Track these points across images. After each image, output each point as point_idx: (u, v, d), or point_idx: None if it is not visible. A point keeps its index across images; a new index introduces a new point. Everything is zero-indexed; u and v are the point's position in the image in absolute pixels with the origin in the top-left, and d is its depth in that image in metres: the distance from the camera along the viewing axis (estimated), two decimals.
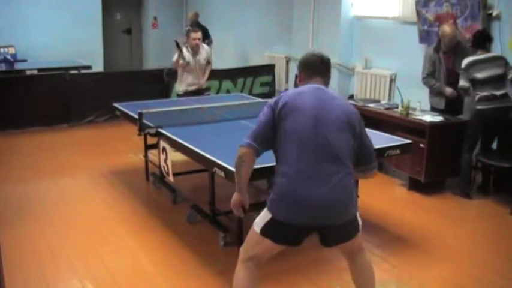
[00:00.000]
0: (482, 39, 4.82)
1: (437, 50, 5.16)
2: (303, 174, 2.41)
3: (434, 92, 5.25)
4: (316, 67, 2.75)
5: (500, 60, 4.76)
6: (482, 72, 4.68)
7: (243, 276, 2.63)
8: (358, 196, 2.62)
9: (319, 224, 2.45)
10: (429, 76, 5.21)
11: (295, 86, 6.81)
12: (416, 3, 5.89)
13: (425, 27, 5.90)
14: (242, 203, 2.70)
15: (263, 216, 2.53)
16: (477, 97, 4.72)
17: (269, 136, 2.55)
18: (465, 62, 4.77)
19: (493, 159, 4.78)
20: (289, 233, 2.50)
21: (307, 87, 2.66)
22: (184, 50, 6.02)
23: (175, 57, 6.02)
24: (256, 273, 2.65)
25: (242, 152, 2.58)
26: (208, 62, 6.32)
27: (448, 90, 5.09)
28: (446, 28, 5.07)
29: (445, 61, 5.13)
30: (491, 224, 4.45)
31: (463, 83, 4.79)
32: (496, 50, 5.19)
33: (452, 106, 5.21)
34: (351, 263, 2.77)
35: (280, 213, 2.45)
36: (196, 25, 9.55)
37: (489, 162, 4.83)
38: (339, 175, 2.42)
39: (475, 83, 4.72)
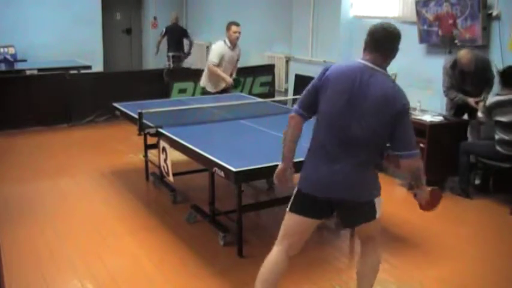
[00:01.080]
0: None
1: (453, 67, 5.08)
2: (324, 152, 2.55)
3: (459, 102, 5.16)
4: (378, 42, 2.54)
5: None
6: (507, 115, 4.52)
7: (272, 259, 2.72)
8: (379, 186, 2.67)
9: (332, 198, 2.57)
10: (449, 89, 5.13)
11: (295, 87, 6.72)
12: (416, 3, 5.89)
13: (425, 27, 5.90)
14: (285, 175, 2.75)
15: (293, 194, 2.68)
16: (497, 137, 4.61)
17: (313, 104, 2.63)
18: (491, 100, 4.62)
19: (492, 159, 4.77)
20: (309, 204, 2.61)
21: (356, 66, 2.54)
22: (222, 44, 5.98)
23: (214, 58, 5.92)
24: (284, 258, 2.72)
25: (290, 117, 2.71)
26: (237, 59, 6.31)
27: (471, 100, 5.02)
28: (463, 57, 4.94)
29: (463, 76, 5.08)
30: (491, 224, 4.45)
31: (483, 119, 4.70)
32: (496, 50, 5.20)
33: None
34: (361, 249, 2.87)
35: (303, 185, 2.62)
36: (176, 26, 10.13)
37: (489, 162, 4.82)
38: (355, 159, 2.51)
39: (497, 123, 4.59)
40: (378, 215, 2.66)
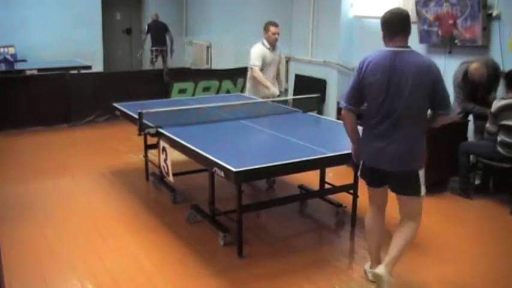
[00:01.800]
0: None
1: (465, 78, 5.02)
2: (375, 129, 3.02)
3: (478, 113, 5.09)
4: (397, 26, 2.98)
5: None
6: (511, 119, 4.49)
7: (369, 215, 3.32)
8: (425, 158, 3.08)
9: (377, 166, 3.05)
10: (464, 101, 5.08)
11: (295, 87, 6.72)
12: (416, 3, 5.89)
13: (425, 27, 5.90)
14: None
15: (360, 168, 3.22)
16: (499, 139, 4.59)
17: (360, 98, 3.08)
18: (496, 105, 4.57)
19: (493, 159, 4.77)
20: (369, 173, 3.15)
21: (384, 53, 2.96)
22: (260, 45, 5.68)
23: (256, 61, 5.54)
24: (378, 213, 3.30)
25: (342, 115, 3.18)
26: (279, 61, 5.99)
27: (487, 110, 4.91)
28: (476, 72, 4.89)
29: (475, 87, 5.04)
30: (491, 224, 4.45)
31: (491, 127, 4.64)
32: (496, 50, 5.20)
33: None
34: (400, 222, 3.24)
35: (362, 158, 3.16)
36: (157, 22, 10.65)
37: (489, 162, 4.82)
38: (399, 132, 2.95)
39: (502, 127, 4.56)
40: (422, 193, 3.08)
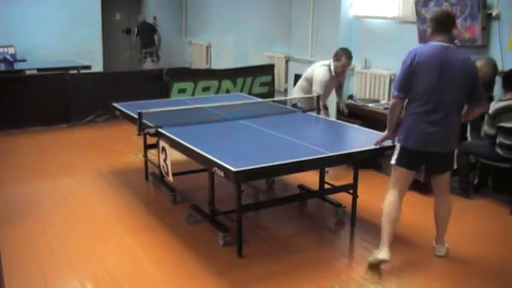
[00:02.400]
0: None
1: None
2: (425, 116, 3.36)
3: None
4: (445, 23, 3.40)
5: None
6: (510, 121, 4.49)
7: (391, 199, 3.54)
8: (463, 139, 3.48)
9: (431, 150, 3.42)
10: None
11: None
12: (416, 3, 5.89)
13: (425, 27, 5.89)
14: (388, 139, 3.68)
15: (395, 153, 3.52)
16: (498, 141, 4.58)
17: (409, 86, 3.38)
18: (494, 107, 4.55)
19: (492, 160, 4.77)
20: (412, 156, 3.46)
21: (434, 47, 3.35)
22: (326, 71, 5.37)
23: (319, 90, 5.27)
24: (400, 198, 3.56)
25: (394, 103, 3.50)
26: (340, 86, 5.73)
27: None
28: (481, 70, 4.66)
29: None
30: (491, 224, 4.46)
31: (489, 130, 4.63)
32: (495, 50, 5.20)
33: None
34: (436, 196, 3.69)
35: (408, 143, 3.44)
36: (145, 24, 10.77)
37: (488, 162, 4.82)
38: (447, 119, 3.36)
39: (500, 129, 4.55)
40: (454, 166, 3.68)
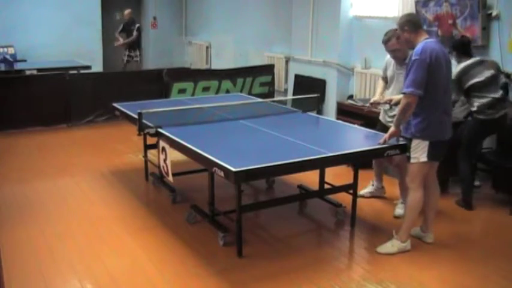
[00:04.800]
0: (465, 45, 4.76)
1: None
2: (442, 109, 3.61)
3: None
4: (419, 22, 3.75)
5: (486, 61, 4.69)
6: (478, 76, 4.54)
7: (421, 195, 3.70)
8: None
9: (449, 137, 3.68)
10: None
11: (294, 87, 6.67)
12: (416, 3, 5.89)
13: (425, 27, 5.89)
14: (396, 135, 3.77)
15: (421, 151, 3.61)
16: (476, 106, 4.55)
17: (425, 83, 3.48)
18: (456, 71, 4.55)
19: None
20: (441, 149, 3.68)
21: (435, 42, 3.61)
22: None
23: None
24: (423, 193, 3.72)
25: (411, 100, 3.52)
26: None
27: None
28: None
29: None
30: (491, 224, 4.46)
31: (456, 97, 4.66)
32: (495, 50, 5.20)
33: None
34: (431, 185, 3.83)
35: (436, 136, 3.60)
36: (131, 21, 9.92)
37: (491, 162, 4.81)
38: (453, 106, 3.95)
39: (472, 89, 4.56)
40: None
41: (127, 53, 10.01)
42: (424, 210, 3.86)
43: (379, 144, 3.76)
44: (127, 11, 10.12)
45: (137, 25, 9.93)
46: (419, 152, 3.61)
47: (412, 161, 3.65)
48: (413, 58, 3.51)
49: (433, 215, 3.92)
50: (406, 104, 3.54)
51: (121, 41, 9.96)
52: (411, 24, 3.61)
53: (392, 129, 3.74)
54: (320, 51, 7.39)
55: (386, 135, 3.76)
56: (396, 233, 3.81)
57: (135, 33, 9.82)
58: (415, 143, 3.62)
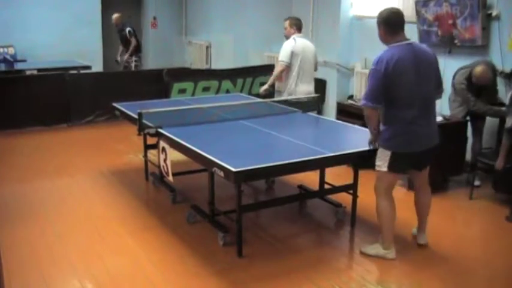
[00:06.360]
0: None
1: (469, 81, 4.96)
2: (411, 119, 3.35)
3: (490, 113, 5.01)
4: (398, 22, 3.41)
5: None
6: None
7: (386, 203, 3.59)
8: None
9: (420, 150, 3.45)
10: (477, 101, 4.96)
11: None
12: (416, 3, 5.90)
13: (425, 27, 5.90)
14: (376, 139, 3.58)
15: (383, 160, 3.46)
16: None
17: (383, 95, 3.31)
18: (510, 95, 4.44)
19: (493, 160, 4.76)
20: (404, 161, 3.47)
21: (403, 47, 3.33)
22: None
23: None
24: (392, 199, 3.62)
25: (368, 112, 3.42)
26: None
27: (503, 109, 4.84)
28: (482, 75, 4.83)
29: (479, 89, 4.98)
30: (490, 224, 4.46)
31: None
32: (495, 50, 5.20)
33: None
34: (418, 190, 3.78)
35: (400, 147, 3.41)
36: (121, 26, 9.38)
37: (489, 162, 4.82)
38: (432, 114, 3.50)
39: None
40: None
41: (125, 58, 9.50)
42: (417, 213, 3.86)
43: (369, 146, 3.67)
44: (115, 16, 9.51)
45: (128, 29, 9.35)
46: (382, 160, 3.50)
47: (376, 168, 3.56)
48: (371, 67, 3.40)
49: (425, 217, 3.85)
50: (365, 115, 3.47)
51: (126, 55, 9.39)
52: (387, 26, 3.42)
53: (369, 136, 3.64)
54: (320, 51, 7.38)
55: (371, 138, 3.64)
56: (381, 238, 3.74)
57: (133, 40, 9.29)
58: (379, 151, 3.53)
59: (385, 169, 3.48)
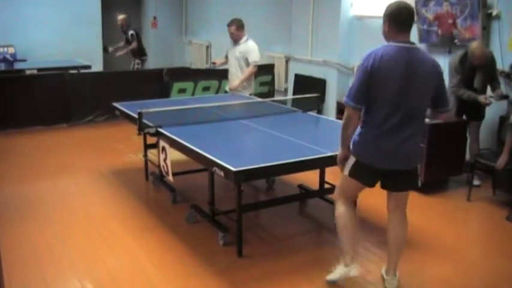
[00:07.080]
0: None
1: (462, 62, 4.95)
2: (384, 130, 2.88)
3: (467, 99, 4.96)
4: (405, 21, 2.90)
5: None
6: None
7: (343, 209, 3.17)
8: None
9: (388, 168, 2.96)
10: (458, 86, 4.96)
11: (294, 87, 6.67)
12: (416, 3, 5.89)
13: (425, 27, 5.90)
14: (346, 159, 3.10)
15: (349, 163, 3.06)
16: None
17: (366, 95, 2.88)
18: None
19: (492, 160, 4.77)
20: (367, 173, 3.01)
21: (397, 49, 2.85)
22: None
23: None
24: (352, 207, 3.24)
25: (349, 115, 2.95)
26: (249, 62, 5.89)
27: (482, 97, 4.87)
28: (477, 49, 4.80)
29: (473, 71, 4.95)
30: (490, 224, 4.45)
31: None
32: (495, 50, 5.20)
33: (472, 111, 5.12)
34: (391, 215, 3.17)
35: (363, 157, 2.98)
36: (127, 27, 9.35)
37: (489, 163, 4.82)
38: (411, 132, 2.90)
39: None
40: (419, 184, 3.11)
41: (118, 54, 9.53)
42: (387, 247, 3.25)
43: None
44: (120, 17, 9.47)
45: (130, 32, 9.34)
46: (347, 163, 3.08)
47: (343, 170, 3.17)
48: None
49: (395, 255, 3.19)
50: (345, 116, 2.98)
51: (120, 52, 9.42)
52: (392, 22, 2.90)
53: (339, 150, 3.14)
54: (320, 50, 7.40)
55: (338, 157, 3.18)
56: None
57: (134, 43, 9.23)
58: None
59: (346, 172, 3.09)
